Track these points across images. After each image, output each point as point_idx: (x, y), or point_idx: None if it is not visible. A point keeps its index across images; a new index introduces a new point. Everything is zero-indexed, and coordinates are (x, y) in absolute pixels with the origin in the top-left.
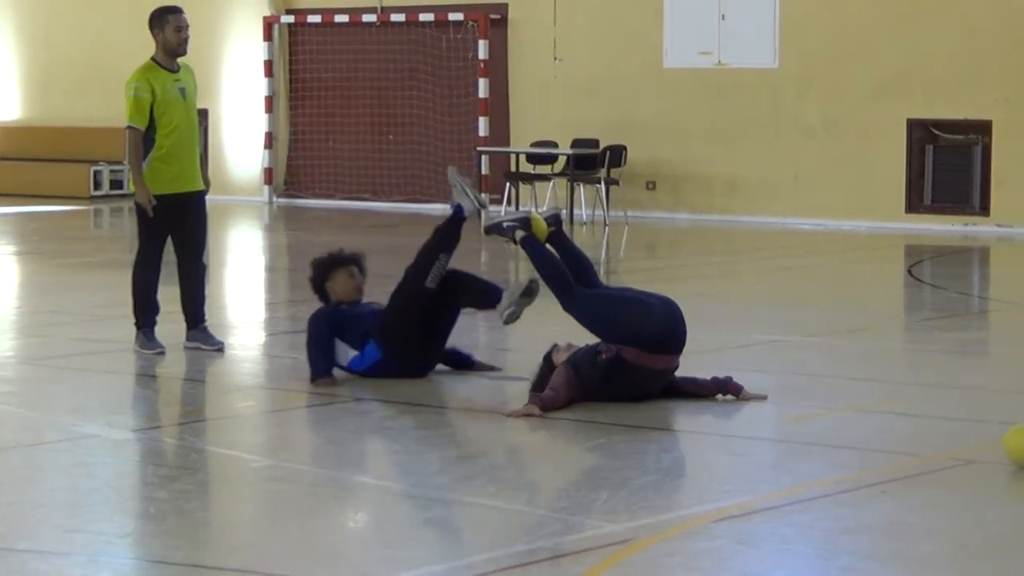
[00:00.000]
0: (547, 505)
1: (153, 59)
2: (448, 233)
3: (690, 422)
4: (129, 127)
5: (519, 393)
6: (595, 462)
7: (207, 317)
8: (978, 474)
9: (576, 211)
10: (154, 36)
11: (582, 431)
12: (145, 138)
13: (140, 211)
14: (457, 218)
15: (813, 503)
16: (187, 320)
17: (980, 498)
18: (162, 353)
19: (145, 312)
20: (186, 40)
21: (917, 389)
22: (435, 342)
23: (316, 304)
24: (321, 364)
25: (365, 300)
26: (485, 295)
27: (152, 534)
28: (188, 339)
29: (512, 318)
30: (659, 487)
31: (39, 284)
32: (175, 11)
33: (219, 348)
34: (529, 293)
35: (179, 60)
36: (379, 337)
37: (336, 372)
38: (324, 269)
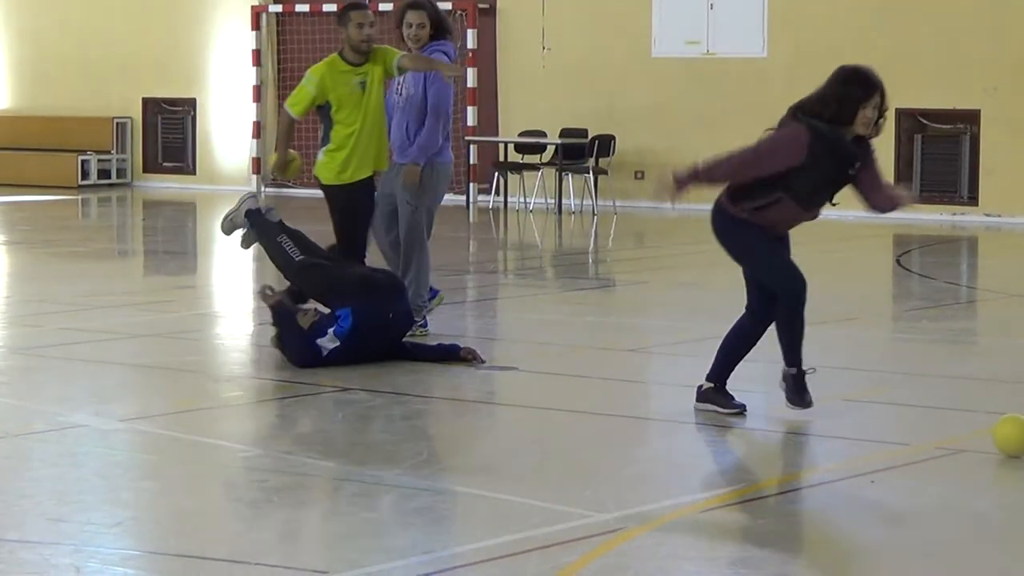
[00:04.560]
0: (535, 495)
1: (340, 53)
2: (262, 229)
3: (678, 412)
4: (281, 106)
5: (506, 382)
6: (583, 452)
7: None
8: (966, 463)
9: (565, 201)
10: (341, 33)
11: (570, 421)
12: (324, 127)
13: (337, 207)
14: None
15: (802, 492)
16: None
17: (968, 487)
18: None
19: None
20: (369, 37)
21: (905, 378)
22: (377, 285)
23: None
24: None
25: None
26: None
27: (140, 524)
28: None
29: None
30: (647, 477)
31: (27, 273)
32: (359, 7)
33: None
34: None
35: (376, 47)
36: (337, 304)
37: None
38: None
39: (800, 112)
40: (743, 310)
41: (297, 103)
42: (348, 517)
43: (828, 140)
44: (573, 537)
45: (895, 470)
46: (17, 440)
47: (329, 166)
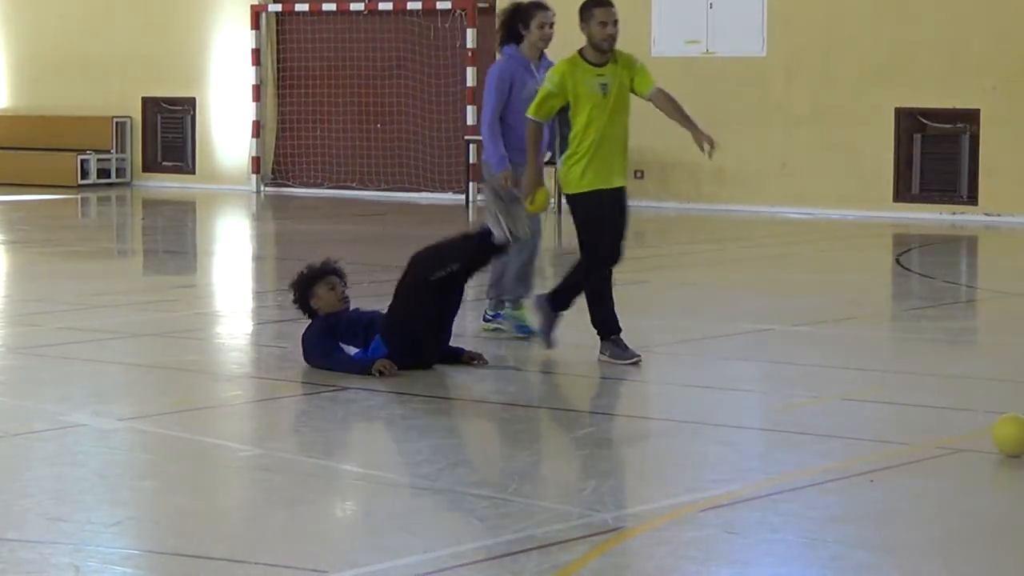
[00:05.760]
0: (535, 494)
1: (580, 52)
2: (474, 255)
3: (678, 411)
4: (526, 117)
5: (506, 382)
6: (583, 451)
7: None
8: (965, 463)
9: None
10: (581, 30)
11: (569, 420)
12: (563, 133)
13: (576, 217)
14: (485, 243)
15: (801, 492)
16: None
17: (967, 487)
18: (638, 361)
19: (606, 322)
20: (611, 36)
21: (904, 378)
22: (441, 328)
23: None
24: (354, 364)
25: (353, 307)
26: (479, 250)
27: (139, 523)
28: (601, 350)
29: (516, 227)
30: (647, 476)
31: (26, 273)
32: (602, 4)
33: (635, 361)
34: (512, 199)
35: (618, 51)
36: (386, 331)
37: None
38: (305, 285)
39: None
40: (742, 310)
41: (538, 105)
42: (348, 517)
43: None
44: (573, 537)
45: (894, 469)
46: (17, 440)
47: (569, 174)
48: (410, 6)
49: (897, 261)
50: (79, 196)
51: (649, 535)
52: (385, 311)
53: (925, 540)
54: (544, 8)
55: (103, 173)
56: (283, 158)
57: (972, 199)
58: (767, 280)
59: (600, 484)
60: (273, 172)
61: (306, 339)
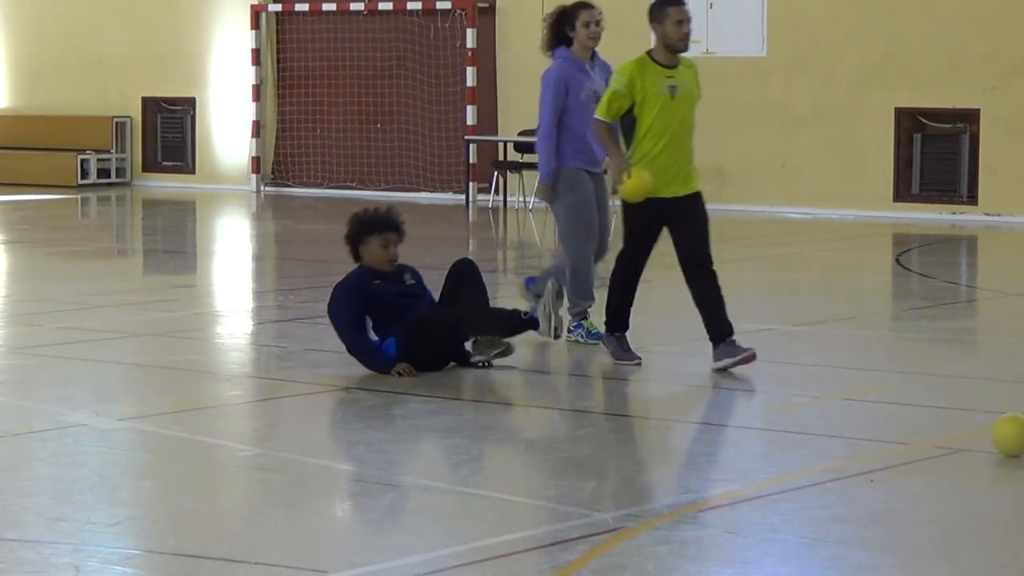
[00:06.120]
0: (535, 494)
1: (648, 53)
2: (510, 333)
3: (677, 411)
4: (594, 118)
5: (506, 382)
6: (583, 451)
7: (733, 329)
8: (965, 463)
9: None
10: (653, 30)
11: (569, 420)
12: (626, 137)
13: (625, 210)
14: (525, 327)
15: (801, 492)
16: (710, 336)
17: (967, 487)
18: (639, 364)
19: (617, 316)
20: (687, 35)
21: (904, 378)
22: (452, 352)
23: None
24: (375, 358)
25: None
26: (516, 331)
27: (139, 523)
28: (714, 357)
29: (561, 329)
30: (647, 476)
31: (26, 272)
32: (676, 3)
33: (747, 358)
34: (559, 295)
35: (681, 56)
36: (402, 339)
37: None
38: (360, 230)
39: None
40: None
41: (607, 106)
42: (348, 517)
43: None
44: (573, 536)
45: (894, 469)
46: (17, 439)
47: (630, 180)
48: (410, 6)
49: (897, 261)
50: (79, 196)
51: (649, 535)
52: (424, 305)
53: (925, 540)
54: (588, 7)
55: (103, 173)
56: (283, 158)
57: (972, 199)
58: (767, 280)
59: (600, 484)
60: (273, 172)
61: (338, 294)
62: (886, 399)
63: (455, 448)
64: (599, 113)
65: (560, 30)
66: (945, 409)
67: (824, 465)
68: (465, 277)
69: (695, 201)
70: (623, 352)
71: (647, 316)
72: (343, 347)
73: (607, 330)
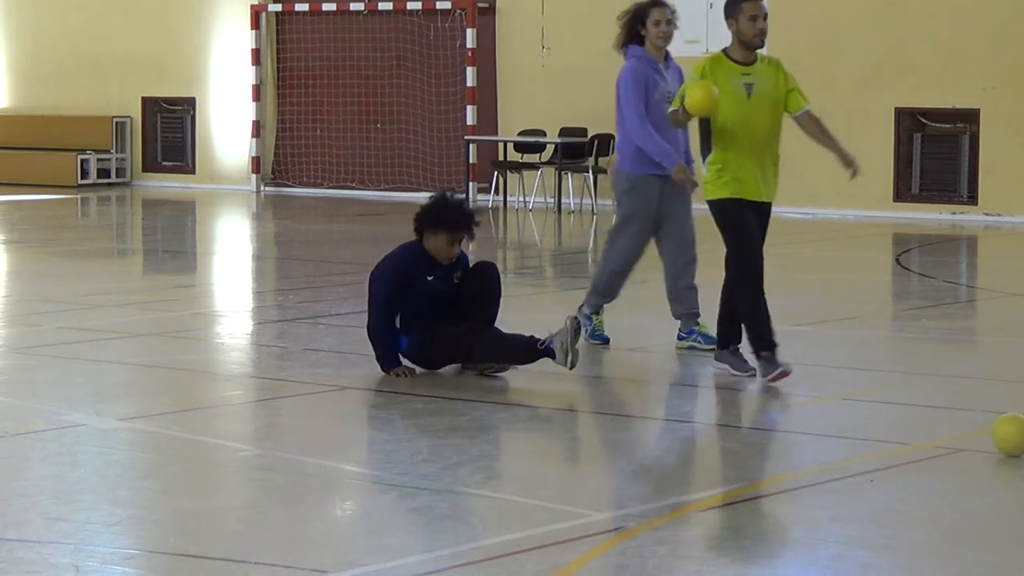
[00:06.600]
0: (535, 494)
1: (724, 50)
2: (522, 359)
3: (678, 411)
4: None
5: (505, 382)
6: (583, 451)
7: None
8: (965, 462)
9: (564, 200)
10: (728, 27)
11: (569, 420)
12: (702, 136)
13: (716, 214)
14: (541, 356)
15: (801, 491)
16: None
17: (967, 486)
18: (753, 375)
19: (766, 331)
20: (763, 31)
21: (904, 378)
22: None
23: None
24: (386, 352)
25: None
26: (528, 360)
27: (139, 523)
28: (715, 357)
29: (576, 362)
30: (647, 476)
31: (26, 273)
32: None
33: (750, 374)
34: (577, 332)
35: (761, 54)
36: (415, 340)
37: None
38: (438, 222)
39: None
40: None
41: (678, 98)
42: (348, 517)
43: None
44: (572, 536)
45: (894, 469)
46: (16, 439)
47: (709, 178)
48: (410, 6)
49: (897, 261)
50: (79, 196)
51: (650, 535)
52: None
53: (925, 540)
54: (660, 5)
55: (103, 173)
56: (283, 158)
57: (972, 199)
58: (767, 280)
59: (600, 484)
60: (273, 172)
61: (387, 267)
62: (886, 399)
63: (455, 448)
64: (675, 104)
65: (633, 28)
66: (945, 409)
67: (824, 465)
68: (486, 289)
69: (765, 212)
70: (740, 363)
71: (647, 316)
72: (343, 347)
73: (720, 345)
